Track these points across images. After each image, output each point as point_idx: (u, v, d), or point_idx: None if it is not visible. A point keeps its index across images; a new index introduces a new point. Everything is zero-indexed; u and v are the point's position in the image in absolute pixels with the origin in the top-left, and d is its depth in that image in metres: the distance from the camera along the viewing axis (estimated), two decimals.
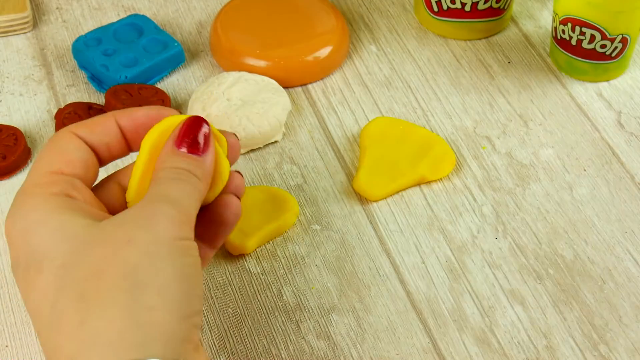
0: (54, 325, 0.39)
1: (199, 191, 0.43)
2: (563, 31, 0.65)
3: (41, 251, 0.41)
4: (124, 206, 0.46)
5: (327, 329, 0.52)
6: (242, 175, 0.48)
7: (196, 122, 0.45)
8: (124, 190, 0.47)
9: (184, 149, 0.44)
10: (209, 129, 0.45)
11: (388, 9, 0.73)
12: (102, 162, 0.46)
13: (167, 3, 0.73)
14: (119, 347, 0.37)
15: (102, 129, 0.46)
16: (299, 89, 0.67)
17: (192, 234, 0.42)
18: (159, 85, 0.67)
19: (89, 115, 0.62)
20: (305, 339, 0.52)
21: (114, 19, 0.71)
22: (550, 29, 0.71)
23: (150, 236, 0.40)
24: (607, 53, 0.65)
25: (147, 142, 0.45)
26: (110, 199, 0.46)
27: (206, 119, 0.60)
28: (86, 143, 0.45)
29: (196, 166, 0.44)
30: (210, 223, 0.47)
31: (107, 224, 0.41)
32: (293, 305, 0.53)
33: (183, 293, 0.40)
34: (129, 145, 0.47)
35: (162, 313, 0.39)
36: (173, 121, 0.46)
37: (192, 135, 0.45)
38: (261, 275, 0.55)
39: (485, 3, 0.68)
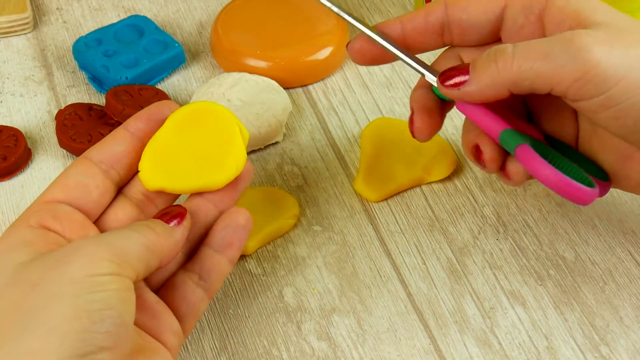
0: None
1: (150, 242, 0.43)
2: None
3: None
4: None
5: (328, 330, 0.52)
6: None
7: (170, 209, 0.47)
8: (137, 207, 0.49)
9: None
10: (184, 213, 0.46)
11: (388, 9, 0.73)
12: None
13: (167, 4, 0.73)
14: None
15: (116, 145, 0.48)
16: (300, 90, 0.67)
17: (121, 271, 0.41)
18: (160, 86, 0.67)
19: (90, 117, 0.62)
20: (306, 340, 0.52)
21: (115, 20, 0.71)
22: None
23: (57, 276, 0.40)
24: None
25: (172, 119, 0.48)
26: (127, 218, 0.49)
27: None
28: (100, 164, 0.48)
29: (159, 224, 0.45)
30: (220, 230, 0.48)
31: (32, 263, 0.42)
32: (294, 307, 0.53)
33: (79, 331, 0.38)
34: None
35: (45, 354, 0.38)
36: (205, 106, 0.49)
37: (167, 212, 0.46)
38: (262, 277, 0.55)
39: None
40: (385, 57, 0.51)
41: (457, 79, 0.47)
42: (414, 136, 0.51)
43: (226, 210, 0.49)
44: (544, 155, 0.45)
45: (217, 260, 0.48)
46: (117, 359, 0.40)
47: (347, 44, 0.52)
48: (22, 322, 0.39)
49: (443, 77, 0.47)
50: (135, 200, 0.49)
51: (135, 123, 0.49)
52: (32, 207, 0.46)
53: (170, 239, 0.45)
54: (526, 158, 0.44)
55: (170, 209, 0.47)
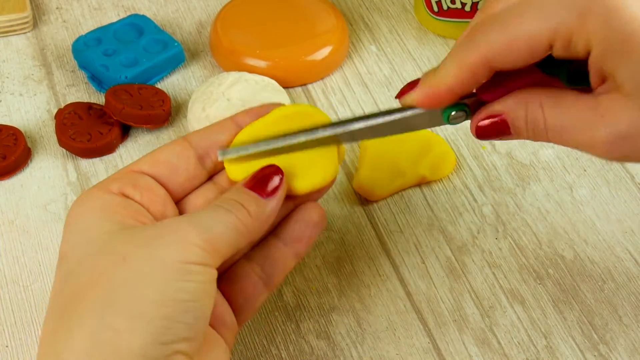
0: (42, 338, 0.40)
1: (242, 224, 0.42)
2: None
3: (65, 249, 0.41)
4: None
5: (327, 329, 0.52)
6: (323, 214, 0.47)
7: (270, 170, 0.44)
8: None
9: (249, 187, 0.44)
10: (281, 181, 0.44)
11: (388, 8, 0.73)
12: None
13: (167, 3, 0.73)
14: None
15: (215, 135, 0.46)
16: (299, 89, 0.67)
17: (210, 260, 0.40)
18: (159, 85, 0.67)
19: (89, 116, 0.62)
20: (305, 339, 0.52)
21: (114, 19, 0.71)
22: None
23: (148, 255, 0.39)
24: None
25: (273, 115, 0.47)
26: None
27: (206, 119, 0.60)
28: (198, 148, 0.46)
29: (253, 202, 0.43)
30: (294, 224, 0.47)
31: (120, 235, 0.41)
32: (293, 305, 0.53)
33: (164, 318, 0.38)
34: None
35: (129, 336, 0.38)
36: (310, 110, 0.47)
37: (262, 177, 0.44)
38: None
39: None
40: (454, 98, 0.45)
41: (492, 126, 0.44)
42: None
43: (302, 204, 0.47)
44: None
45: (284, 253, 0.46)
46: (193, 350, 0.40)
47: (403, 95, 0.46)
48: (108, 296, 0.38)
49: (476, 127, 0.45)
50: (221, 189, 0.47)
51: (244, 117, 0.47)
52: (116, 174, 0.45)
53: (263, 215, 0.43)
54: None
55: (265, 173, 0.44)
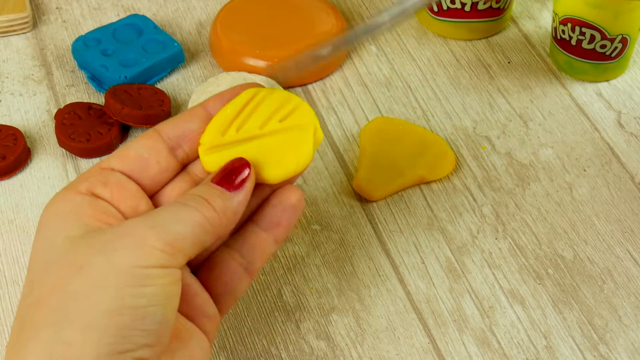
0: (9, 338, 0.40)
1: (207, 221, 0.40)
2: (563, 31, 0.65)
3: (33, 255, 0.41)
4: None
5: (326, 329, 0.52)
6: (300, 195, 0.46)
7: (239, 163, 0.43)
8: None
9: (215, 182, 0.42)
10: (249, 174, 0.43)
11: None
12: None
13: (166, 3, 0.73)
14: None
15: (185, 123, 0.45)
16: (299, 89, 0.67)
17: (171, 262, 0.39)
18: (159, 85, 0.67)
19: (89, 116, 0.62)
20: (304, 339, 0.52)
21: (114, 19, 0.71)
22: (550, 29, 0.71)
23: (103, 263, 0.38)
24: (607, 53, 0.65)
25: (245, 97, 0.45)
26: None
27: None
28: (169, 140, 0.44)
29: (218, 197, 0.41)
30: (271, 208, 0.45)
31: (82, 240, 0.40)
32: (293, 306, 0.53)
33: (119, 328, 0.37)
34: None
35: (81, 349, 0.36)
36: (286, 96, 0.45)
37: (229, 170, 0.43)
38: (261, 275, 0.55)
39: (485, 3, 0.68)
40: None
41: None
42: None
43: (279, 188, 0.45)
44: None
45: (263, 239, 0.45)
46: (156, 355, 0.38)
47: None
48: (63, 307, 0.37)
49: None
50: (196, 178, 0.45)
51: (215, 103, 0.46)
52: (86, 173, 0.43)
53: (229, 210, 0.41)
54: None
55: (233, 166, 0.42)
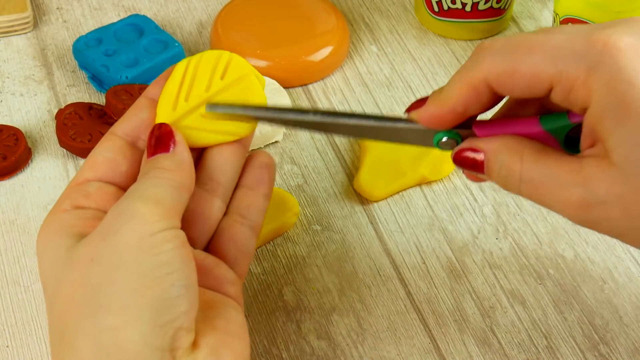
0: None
1: (171, 180, 0.42)
2: None
3: (43, 278, 0.42)
4: None
5: (327, 329, 0.52)
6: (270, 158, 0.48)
7: (158, 130, 0.45)
8: None
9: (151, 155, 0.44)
10: (169, 128, 0.45)
11: (388, 9, 0.73)
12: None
13: (167, 3, 0.73)
14: None
15: (136, 116, 0.46)
16: (300, 89, 0.67)
17: (169, 222, 0.40)
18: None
19: (90, 116, 0.62)
20: (305, 339, 0.52)
21: (115, 19, 0.71)
22: None
23: (111, 246, 0.39)
24: None
25: (181, 69, 0.46)
26: None
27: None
28: (126, 137, 0.46)
29: (163, 159, 0.43)
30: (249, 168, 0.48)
31: (80, 244, 0.41)
32: (294, 306, 0.53)
33: (152, 302, 0.38)
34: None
35: (127, 332, 0.37)
36: (216, 55, 0.46)
37: (156, 140, 0.44)
38: (262, 276, 0.55)
39: (486, 3, 0.68)
40: (458, 119, 0.44)
41: (470, 159, 0.44)
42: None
43: (251, 154, 0.48)
44: None
45: (254, 196, 0.47)
46: (193, 321, 0.39)
47: (411, 110, 0.45)
48: (92, 300, 0.38)
49: (455, 160, 0.45)
50: None
51: (154, 89, 0.47)
52: (64, 192, 0.45)
53: (182, 163, 0.43)
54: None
55: (155, 136, 0.44)
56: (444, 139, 0.44)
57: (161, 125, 0.45)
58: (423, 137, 0.45)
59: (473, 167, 0.44)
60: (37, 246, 0.43)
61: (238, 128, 0.46)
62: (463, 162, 0.44)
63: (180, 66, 0.46)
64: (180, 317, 0.38)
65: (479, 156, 0.43)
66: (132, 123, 0.46)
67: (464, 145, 0.44)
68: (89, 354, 0.38)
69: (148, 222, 0.39)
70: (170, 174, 0.42)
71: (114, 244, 0.39)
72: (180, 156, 0.44)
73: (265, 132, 0.61)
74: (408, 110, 0.45)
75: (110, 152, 0.45)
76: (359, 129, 0.45)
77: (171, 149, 0.44)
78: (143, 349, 0.37)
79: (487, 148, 0.43)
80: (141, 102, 0.47)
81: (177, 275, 0.39)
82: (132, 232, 0.39)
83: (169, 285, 0.38)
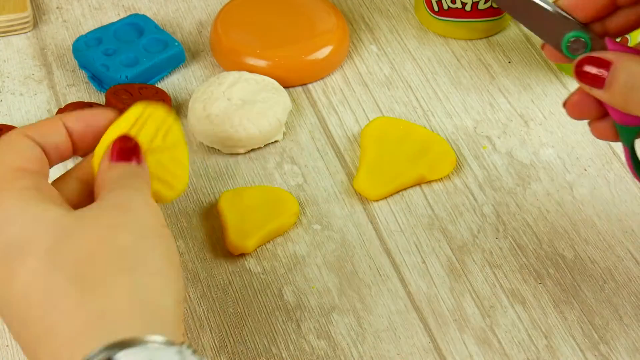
0: (49, 306, 0.39)
1: (148, 189, 0.45)
2: None
3: (22, 240, 0.41)
4: (84, 202, 0.45)
5: (327, 329, 0.52)
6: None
7: (126, 139, 0.46)
8: (84, 185, 0.47)
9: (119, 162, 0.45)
10: (138, 144, 0.46)
11: (388, 8, 0.73)
12: (50, 163, 0.46)
13: (167, 3, 0.73)
14: (126, 324, 0.38)
15: (50, 130, 0.46)
16: (300, 89, 0.67)
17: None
18: (160, 85, 0.67)
19: None
20: (305, 339, 0.52)
21: (115, 19, 0.71)
22: None
23: (134, 220, 0.41)
24: None
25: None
26: (70, 194, 0.46)
27: (207, 118, 0.60)
28: (38, 143, 0.46)
29: (140, 169, 0.45)
30: None
31: (86, 211, 0.42)
32: (293, 305, 0.53)
33: (174, 278, 0.40)
34: (75, 147, 0.47)
35: (162, 294, 0.39)
36: (160, 112, 0.48)
37: (126, 148, 0.46)
38: (262, 275, 0.55)
39: (485, 3, 0.68)
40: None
41: (594, 72, 0.45)
42: (564, 106, 0.49)
43: None
44: None
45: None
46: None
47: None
48: (124, 258, 0.40)
49: (579, 64, 0.45)
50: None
51: (74, 122, 0.47)
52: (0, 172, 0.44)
53: (142, 171, 0.46)
54: None
55: (127, 145, 0.46)
56: (574, 38, 0.45)
57: (131, 138, 0.46)
58: (557, 30, 0.46)
59: (593, 79, 0.45)
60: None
61: (177, 182, 0.48)
62: (584, 75, 0.45)
63: (136, 109, 0.47)
64: (184, 302, 0.41)
65: (603, 70, 0.44)
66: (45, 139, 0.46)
67: (592, 53, 0.45)
68: (128, 301, 0.38)
69: (157, 214, 0.42)
70: (147, 185, 0.45)
71: (136, 219, 0.41)
72: (147, 172, 0.46)
73: (265, 131, 0.61)
74: None
75: (38, 152, 0.45)
76: None
77: (142, 162, 0.46)
78: (173, 317, 0.39)
79: (616, 58, 0.44)
80: (55, 121, 0.47)
81: (180, 269, 0.42)
82: (147, 216, 0.42)
83: (180, 271, 0.41)
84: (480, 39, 0.71)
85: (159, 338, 0.37)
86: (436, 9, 0.70)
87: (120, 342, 0.37)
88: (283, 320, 0.53)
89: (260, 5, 0.69)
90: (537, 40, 0.70)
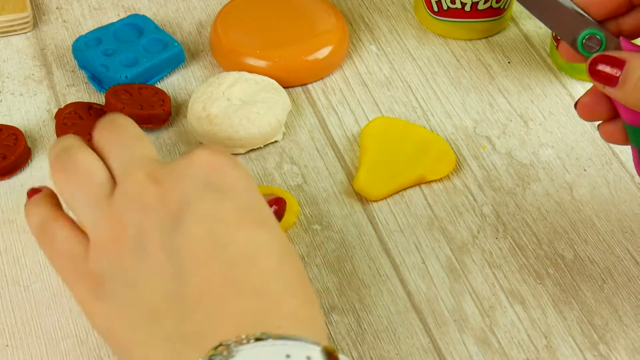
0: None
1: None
2: None
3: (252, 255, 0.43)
4: None
5: (327, 329, 0.52)
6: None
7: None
8: None
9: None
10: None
11: (388, 8, 0.73)
12: None
13: (167, 3, 0.73)
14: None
15: None
16: (299, 89, 0.67)
17: None
18: (159, 85, 0.67)
19: (89, 115, 0.62)
20: None
21: (114, 19, 0.71)
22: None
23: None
24: None
25: None
26: None
27: (207, 118, 0.60)
28: None
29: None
30: None
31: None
32: None
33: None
34: None
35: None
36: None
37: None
38: None
39: (485, 3, 0.69)
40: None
41: (607, 70, 0.45)
42: (575, 107, 0.49)
43: None
44: None
45: None
46: None
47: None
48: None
49: (593, 62, 0.46)
50: None
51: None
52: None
53: None
54: None
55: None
56: (590, 35, 0.46)
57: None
58: (573, 27, 0.47)
59: (606, 78, 0.45)
60: None
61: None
62: (598, 73, 0.45)
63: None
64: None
65: (616, 69, 0.44)
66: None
67: (607, 52, 0.45)
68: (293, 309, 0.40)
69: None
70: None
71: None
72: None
73: (265, 132, 0.61)
74: None
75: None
76: None
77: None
78: None
79: (630, 57, 0.45)
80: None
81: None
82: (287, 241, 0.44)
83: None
84: (479, 39, 0.71)
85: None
86: (436, 9, 0.70)
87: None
88: None
89: (260, 6, 0.69)
90: (537, 41, 0.71)
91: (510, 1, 0.70)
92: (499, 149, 0.62)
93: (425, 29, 0.72)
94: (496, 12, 0.69)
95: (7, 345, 0.51)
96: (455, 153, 0.62)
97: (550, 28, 0.48)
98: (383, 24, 0.72)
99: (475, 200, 0.59)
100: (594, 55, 0.46)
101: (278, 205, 0.48)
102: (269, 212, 0.43)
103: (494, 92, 0.66)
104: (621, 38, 0.46)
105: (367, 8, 0.73)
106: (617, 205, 0.59)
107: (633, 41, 0.47)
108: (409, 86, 0.67)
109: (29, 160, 0.61)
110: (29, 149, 0.62)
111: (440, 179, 0.60)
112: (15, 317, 0.53)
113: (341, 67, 0.68)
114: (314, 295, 0.42)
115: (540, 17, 0.48)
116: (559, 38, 0.48)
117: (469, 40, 0.71)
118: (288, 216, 0.57)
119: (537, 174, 0.61)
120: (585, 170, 0.61)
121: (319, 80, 0.67)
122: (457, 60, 0.69)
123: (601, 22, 0.47)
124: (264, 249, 0.41)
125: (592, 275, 0.55)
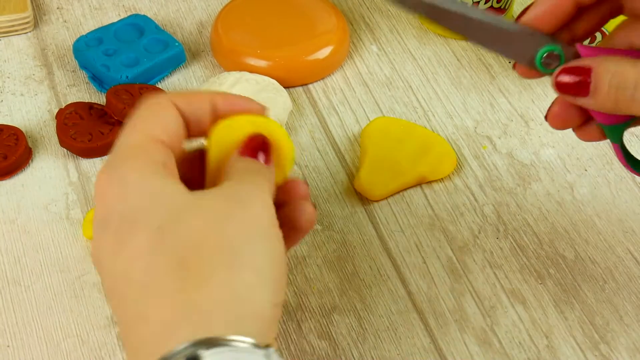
0: (146, 289, 0.38)
1: (273, 185, 0.43)
2: None
3: (137, 212, 0.40)
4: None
5: (328, 329, 0.52)
6: (307, 184, 0.47)
7: (258, 139, 0.44)
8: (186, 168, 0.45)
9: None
10: (269, 144, 0.45)
11: (389, 8, 0.73)
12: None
13: (168, 3, 0.73)
14: (215, 320, 0.37)
15: (198, 105, 0.44)
16: (300, 89, 0.67)
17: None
18: (160, 85, 0.67)
19: (90, 116, 0.62)
20: (306, 339, 0.52)
21: (115, 19, 0.71)
22: None
23: (248, 215, 0.40)
24: None
25: (216, 137, 0.45)
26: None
27: None
28: (181, 115, 0.44)
29: (268, 170, 0.44)
30: (283, 227, 0.45)
31: (203, 194, 0.41)
32: (294, 305, 0.53)
33: (275, 279, 0.39)
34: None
35: (260, 294, 0.38)
36: (240, 122, 0.45)
37: (255, 144, 0.44)
38: None
39: (485, 3, 0.68)
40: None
41: (575, 81, 0.44)
42: (546, 119, 0.48)
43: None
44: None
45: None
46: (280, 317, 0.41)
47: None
48: (229, 250, 0.39)
49: (558, 76, 0.45)
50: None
51: (223, 103, 0.45)
52: (138, 138, 0.43)
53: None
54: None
55: (259, 142, 0.44)
56: (547, 53, 0.45)
57: (266, 138, 0.44)
58: (527, 48, 0.46)
59: (576, 89, 0.44)
60: (123, 178, 0.41)
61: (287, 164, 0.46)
62: (566, 86, 0.44)
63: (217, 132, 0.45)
64: (280, 305, 0.40)
65: (584, 78, 0.44)
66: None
67: (569, 63, 0.45)
68: (223, 297, 0.38)
69: (271, 213, 0.41)
70: (270, 186, 0.43)
71: (250, 214, 0.40)
72: (273, 175, 0.44)
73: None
74: (518, 18, 0.46)
75: (180, 127, 0.44)
76: (465, 22, 0.46)
77: (270, 164, 0.44)
78: (267, 319, 0.38)
79: (594, 63, 0.44)
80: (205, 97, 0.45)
81: (286, 270, 0.41)
82: (261, 213, 0.40)
83: (284, 272, 0.40)
84: None
85: (247, 339, 0.37)
86: None
87: (207, 339, 0.36)
88: (284, 321, 0.53)
89: (261, 6, 0.69)
90: None
91: (510, 1, 0.70)
92: (499, 149, 0.62)
93: (426, 28, 0.72)
94: (496, 12, 0.69)
95: (8, 346, 0.51)
96: (456, 153, 0.62)
97: (505, 56, 0.47)
98: (384, 23, 0.72)
99: (476, 200, 0.59)
100: (557, 70, 0.45)
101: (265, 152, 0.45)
102: None
103: (495, 92, 0.66)
104: (577, 45, 0.45)
105: (368, 8, 0.73)
106: (618, 205, 0.59)
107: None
108: (410, 86, 0.67)
109: (30, 161, 0.61)
110: (30, 149, 0.62)
111: (441, 178, 0.60)
112: (16, 318, 0.53)
113: (342, 67, 0.68)
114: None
115: (492, 48, 0.46)
116: (514, 61, 0.47)
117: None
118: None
119: (538, 174, 0.61)
120: (586, 170, 0.61)
121: (319, 80, 0.67)
122: (458, 60, 0.69)
123: (553, 35, 0.46)
124: None
125: (593, 275, 0.55)
